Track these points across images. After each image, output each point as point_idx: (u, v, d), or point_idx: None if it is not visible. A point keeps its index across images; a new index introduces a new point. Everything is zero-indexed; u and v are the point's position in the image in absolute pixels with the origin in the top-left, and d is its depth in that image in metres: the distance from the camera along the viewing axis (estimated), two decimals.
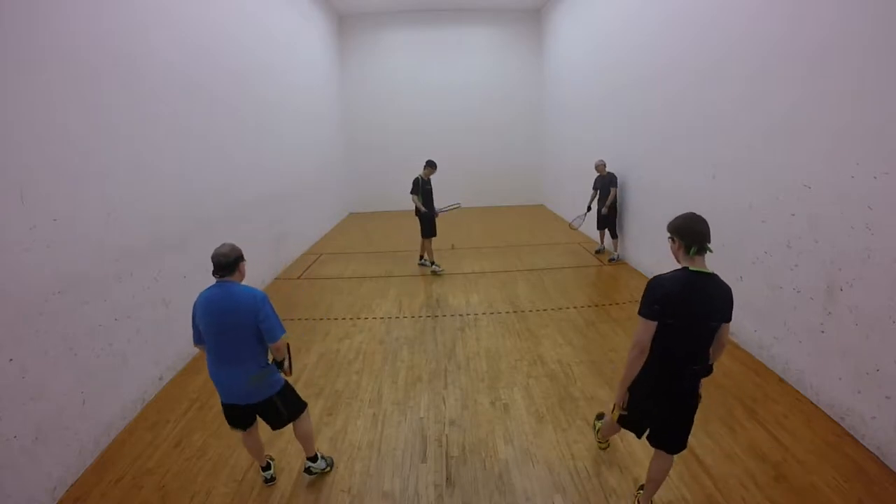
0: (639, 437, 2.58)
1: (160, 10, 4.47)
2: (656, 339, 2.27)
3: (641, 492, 2.74)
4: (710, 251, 2.24)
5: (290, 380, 4.14)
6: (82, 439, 3.20)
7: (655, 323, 2.23)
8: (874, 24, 3.02)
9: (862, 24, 3.11)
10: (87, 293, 3.36)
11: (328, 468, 3.12)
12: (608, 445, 3.20)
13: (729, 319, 2.28)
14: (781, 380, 3.95)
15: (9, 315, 2.72)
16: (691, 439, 3.21)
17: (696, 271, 2.20)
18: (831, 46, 3.36)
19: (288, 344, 2.85)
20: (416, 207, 7.17)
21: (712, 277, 2.22)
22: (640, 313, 2.27)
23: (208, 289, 2.65)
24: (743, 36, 4.37)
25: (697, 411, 2.49)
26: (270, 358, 2.79)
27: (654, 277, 2.30)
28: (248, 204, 6.43)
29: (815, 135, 3.55)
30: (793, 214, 3.80)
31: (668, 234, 2.32)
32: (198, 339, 2.73)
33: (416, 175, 7.15)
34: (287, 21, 8.65)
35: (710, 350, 2.34)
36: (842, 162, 3.29)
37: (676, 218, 2.31)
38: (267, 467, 3.03)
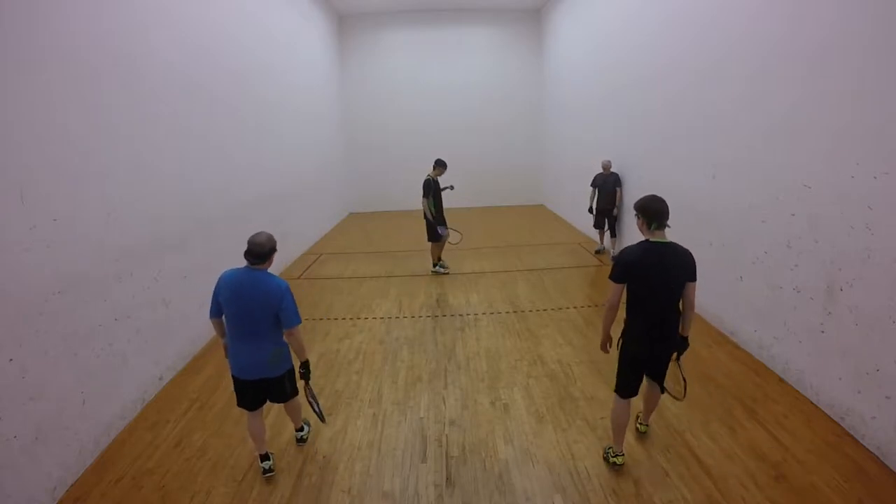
0: (635, 393, 2.98)
1: (160, 10, 4.46)
2: (631, 308, 2.78)
3: (639, 423, 3.32)
4: (669, 227, 2.67)
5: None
6: (82, 439, 3.20)
7: (622, 285, 2.72)
8: (874, 24, 3.02)
9: (862, 25, 3.11)
10: (87, 293, 3.35)
11: (309, 426, 3.48)
12: (623, 457, 3.05)
13: (693, 279, 2.70)
14: (781, 380, 3.95)
15: (9, 315, 2.71)
16: (691, 440, 3.25)
17: (655, 242, 2.66)
18: (831, 46, 3.36)
19: (310, 388, 3.17)
20: (425, 210, 6.89)
21: (670, 245, 2.67)
22: (609, 277, 2.77)
23: (236, 270, 2.85)
24: (743, 36, 4.37)
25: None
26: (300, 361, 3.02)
27: (621, 249, 2.78)
28: (248, 204, 6.43)
29: (815, 135, 3.55)
30: (793, 214, 3.80)
31: (634, 213, 2.76)
32: (215, 313, 2.92)
33: (419, 175, 6.87)
34: (287, 21, 8.65)
35: (685, 319, 2.80)
36: (842, 162, 3.29)
37: (641, 198, 2.75)
38: (266, 457, 3.09)
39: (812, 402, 3.61)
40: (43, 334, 2.95)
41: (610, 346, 2.99)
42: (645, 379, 3.09)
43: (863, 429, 3.16)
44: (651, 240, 2.67)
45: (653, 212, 2.64)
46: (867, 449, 3.09)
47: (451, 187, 7.33)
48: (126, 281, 3.79)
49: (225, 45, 5.90)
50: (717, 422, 3.44)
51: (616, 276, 2.72)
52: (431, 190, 6.74)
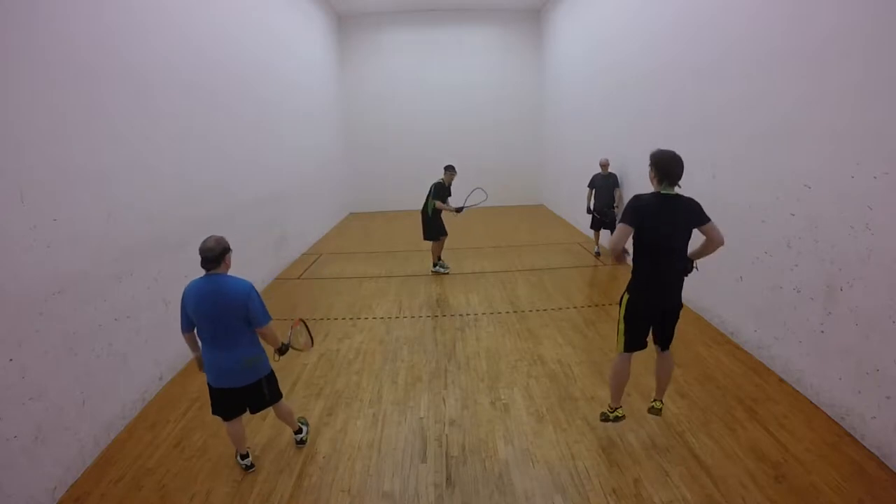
0: (643, 346, 3.08)
1: (160, 10, 4.47)
2: (638, 257, 2.86)
3: (654, 402, 3.28)
4: (679, 187, 2.76)
5: (293, 377, 4.17)
6: (82, 439, 3.20)
7: (632, 229, 2.76)
8: (874, 23, 3.02)
9: (862, 24, 3.11)
10: (87, 293, 3.35)
11: (307, 427, 3.46)
12: (623, 409, 3.24)
13: (706, 220, 2.80)
14: (781, 380, 3.95)
15: (9, 315, 2.71)
16: (691, 439, 3.25)
17: (665, 194, 2.78)
18: (831, 46, 3.36)
19: (303, 320, 3.35)
20: (423, 211, 6.97)
21: (677, 197, 2.79)
22: (620, 221, 2.80)
23: (197, 280, 2.83)
24: (743, 35, 4.37)
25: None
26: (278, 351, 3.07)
27: (634, 196, 2.82)
28: (248, 204, 6.43)
29: (815, 135, 3.55)
30: (793, 214, 3.80)
31: (649, 163, 2.82)
32: (186, 328, 2.92)
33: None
34: (287, 21, 8.65)
35: (701, 248, 2.90)
36: (842, 162, 3.29)
37: (660, 151, 2.80)
38: (246, 455, 3.13)
39: (812, 402, 3.61)
40: (43, 334, 2.95)
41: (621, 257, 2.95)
42: (656, 352, 3.17)
43: (863, 429, 3.16)
44: (662, 192, 2.78)
45: (667, 171, 2.73)
46: (867, 449, 3.09)
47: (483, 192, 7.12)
48: (126, 281, 3.79)
49: (225, 45, 5.90)
50: (717, 422, 3.44)
51: (628, 220, 2.76)
52: (445, 193, 6.83)
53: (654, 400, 3.29)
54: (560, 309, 5.69)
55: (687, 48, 5.42)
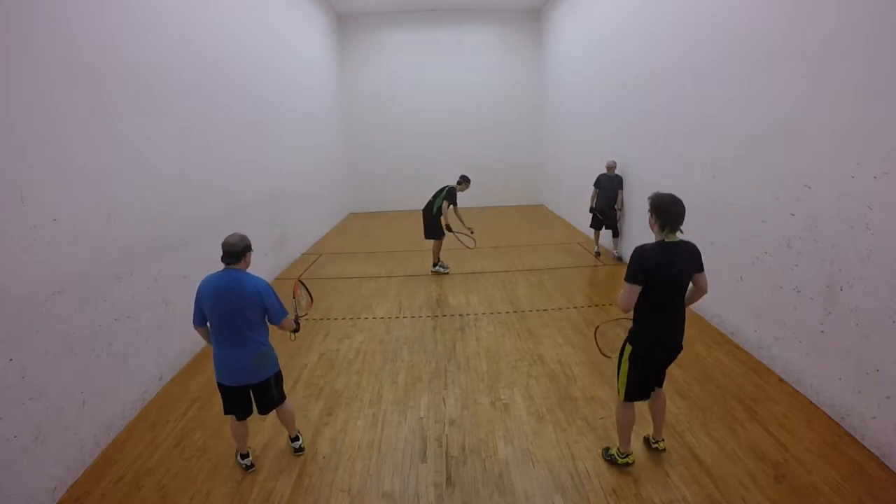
0: (647, 396, 3.00)
1: (160, 10, 4.46)
2: (643, 310, 2.75)
3: (651, 436, 3.19)
4: (682, 232, 2.66)
5: (293, 377, 4.17)
6: (82, 439, 3.20)
7: (639, 287, 2.65)
8: (874, 23, 3.02)
9: (862, 24, 3.12)
10: (87, 293, 3.35)
11: (301, 439, 3.37)
12: (633, 457, 3.05)
13: (701, 269, 2.75)
14: (781, 380, 3.95)
15: (9, 315, 2.71)
16: (691, 439, 3.26)
17: (670, 242, 2.67)
18: (831, 46, 3.36)
19: (300, 280, 3.40)
20: (426, 210, 7.02)
21: (680, 244, 2.69)
22: (626, 279, 2.67)
23: (215, 274, 2.87)
24: (743, 35, 4.37)
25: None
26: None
27: (638, 248, 2.67)
28: (248, 204, 6.43)
29: (815, 135, 3.55)
30: (793, 214, 3.80)
31: (648, 209, 2.70)
32: (199, 321, 2.92)
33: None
34: (287, 21, 8.65)
35: (688, 296, 2.84)
36: (842, 162, 3.29)
37: (659, 196, 2.67)
38: (246, 455, 3.15)
39: (812, 402, 3.61)
40: (43, 334, 2.95)
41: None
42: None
43: (863, 429, 3.16)
44: (666, 240, 2.66)
45: (669, 216, 2.60)
46: (867, 449, 3.09)
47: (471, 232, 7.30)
48: (126, 281, 3.79)
49: (225, 45, 5.90)
50: (717, 422, 3.44)
51: (634, 278, 2.64)
52: (455, 199, 6.91)
53: (656, 441, 3.15)
54: (560, 309, 5.69)
55: (687, 48, 5.42)
